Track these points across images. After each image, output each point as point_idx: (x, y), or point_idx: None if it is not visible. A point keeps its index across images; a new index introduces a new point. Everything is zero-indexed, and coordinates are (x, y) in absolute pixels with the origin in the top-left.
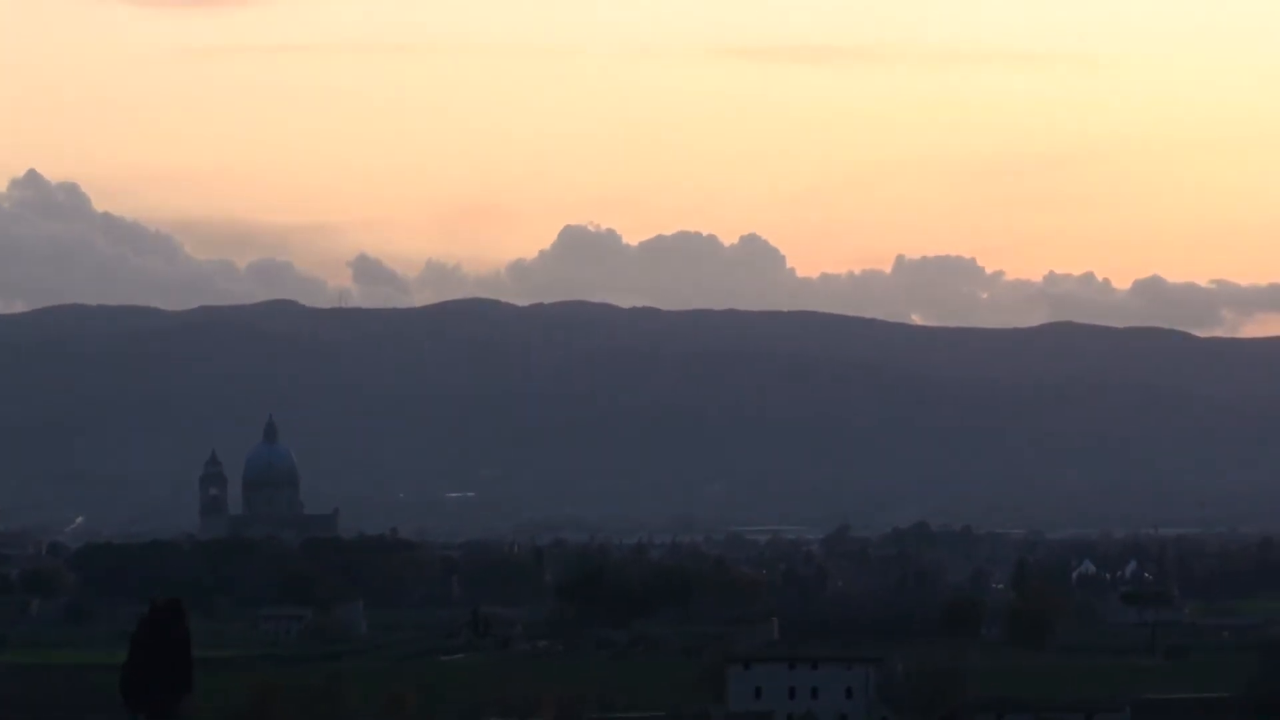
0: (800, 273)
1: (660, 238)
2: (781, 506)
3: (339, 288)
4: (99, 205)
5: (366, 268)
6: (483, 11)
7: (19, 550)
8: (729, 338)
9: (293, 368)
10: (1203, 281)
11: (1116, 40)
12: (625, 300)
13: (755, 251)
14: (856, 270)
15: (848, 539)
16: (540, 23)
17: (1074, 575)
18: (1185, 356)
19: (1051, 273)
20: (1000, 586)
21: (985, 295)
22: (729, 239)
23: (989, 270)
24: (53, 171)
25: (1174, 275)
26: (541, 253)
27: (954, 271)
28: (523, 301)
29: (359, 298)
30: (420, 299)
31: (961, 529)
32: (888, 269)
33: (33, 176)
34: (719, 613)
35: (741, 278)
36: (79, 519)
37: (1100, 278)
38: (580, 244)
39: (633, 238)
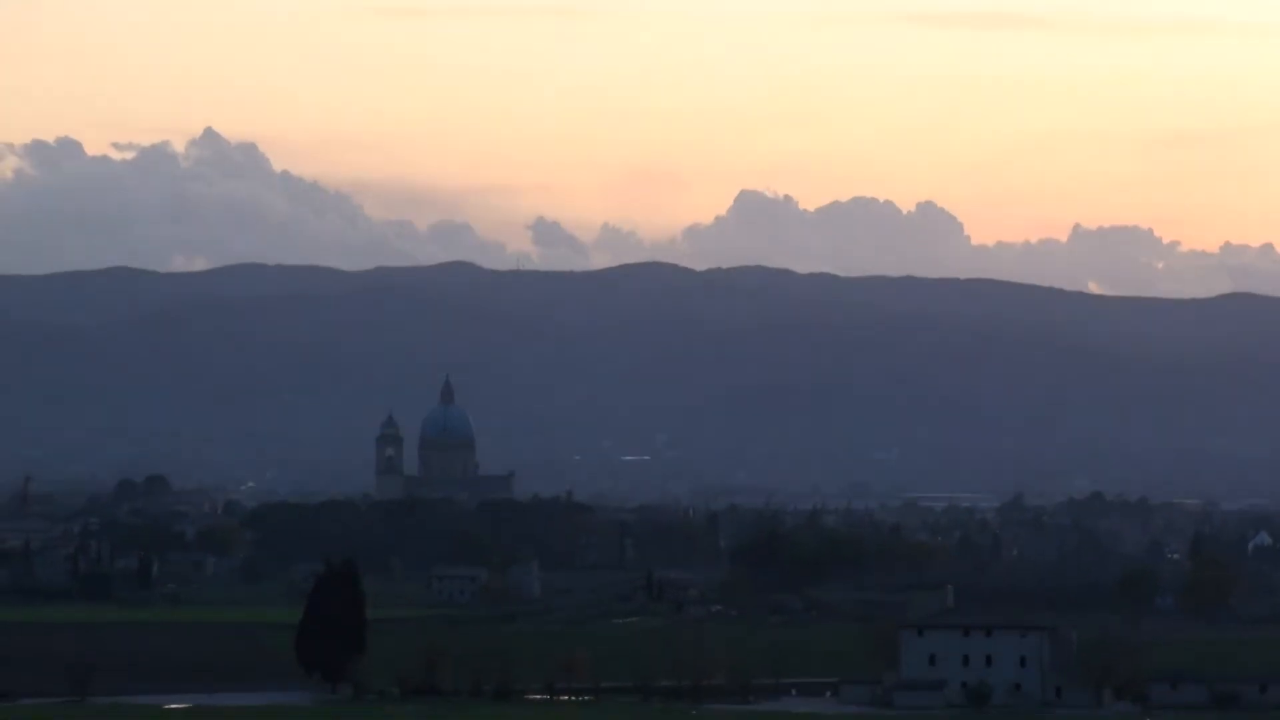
0: (976, 240)
1: (837, 204)
2: (955, 474)
3: (518, 252)
4: (277, 165)
5: (544, 230)
6: None
7: (195, 509)
8: (905, 304)
9: (470, 330)
10: None
11: None
12: (801, 266)
13: (932, 219)
14: (1033, 239)
15: (1023, 507)
16: None
17: (1250, 546)
18: None
19: (1228, 243)
20: (1175, 557)
21: (1161, 265)
22: (906, 206)
23: (1165, 240)
24: (231, 131)
25: None
26: (718, 218)
27: (1131, 241)
28: (699, 266)
29: (536, 260)
30: (597, 262)
31: (1137, 499)
32: (1064, 238)
33: (210, 135)
34: (893, 580)
35: (918, 245)
36: (270, 472)
37: None
38: (756, 209)
39: (809, 203)
